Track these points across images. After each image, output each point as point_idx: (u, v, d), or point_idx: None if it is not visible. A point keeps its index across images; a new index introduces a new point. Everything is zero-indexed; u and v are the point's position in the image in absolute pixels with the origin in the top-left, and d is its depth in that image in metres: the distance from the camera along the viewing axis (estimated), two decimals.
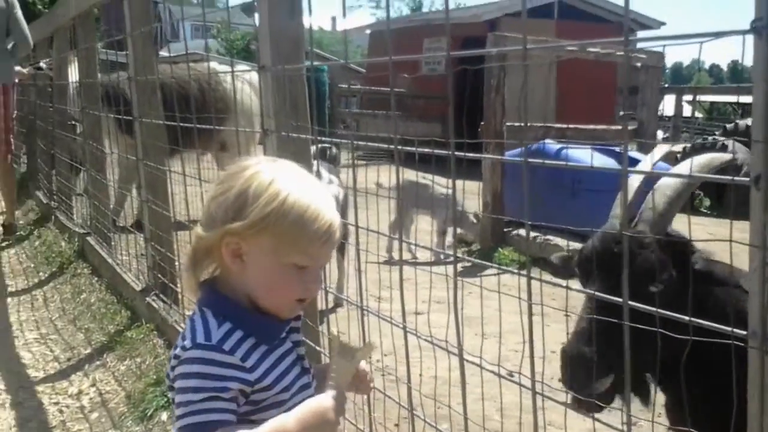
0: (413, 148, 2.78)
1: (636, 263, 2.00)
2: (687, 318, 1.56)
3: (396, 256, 7.51)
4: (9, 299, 6.47)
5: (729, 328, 1.49)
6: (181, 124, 4.64)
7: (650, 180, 2.29)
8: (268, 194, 1.56)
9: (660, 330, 1.71)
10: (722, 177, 1.82)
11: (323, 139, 3.37)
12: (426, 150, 2.75)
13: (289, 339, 1.73)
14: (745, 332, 1.47)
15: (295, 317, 1.74)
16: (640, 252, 2.03)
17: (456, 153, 2.24)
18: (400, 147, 2.58)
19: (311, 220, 1.57)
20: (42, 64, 9.29)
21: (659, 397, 2.21)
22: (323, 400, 1.60)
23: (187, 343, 1.55)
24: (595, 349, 1.98)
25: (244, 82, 8.66)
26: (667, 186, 2.11)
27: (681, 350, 1.78)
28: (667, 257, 2.02)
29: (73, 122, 8.37)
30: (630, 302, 1.65)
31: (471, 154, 2.36)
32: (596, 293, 1.84)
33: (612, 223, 2.22)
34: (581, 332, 2.04)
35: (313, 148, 3.39)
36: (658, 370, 1.96)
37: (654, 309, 1.62)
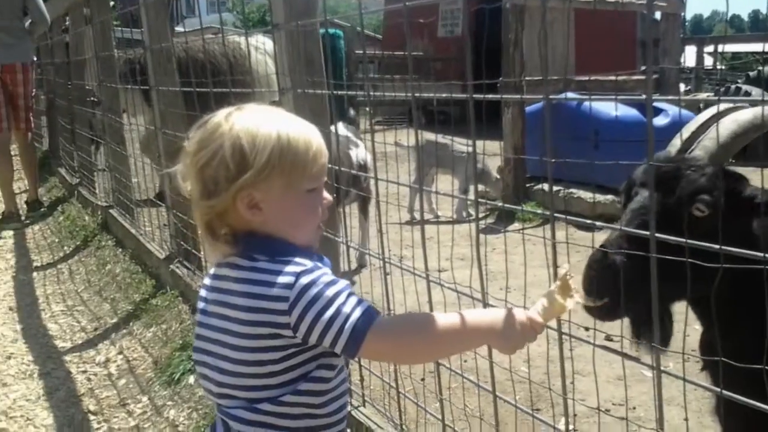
0: (433, 100, 2.72)
1: (681, 183, 1.92)
2: (717, 246, 1.51)
3: (418, 216, 7.48)
4: (35, 274, 6.50)
5: (761, 254, 1.44)
6: (197, 89, 4.62)
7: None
8: (261, 137, 1.56)
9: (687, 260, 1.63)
10: (753, 99, 1.77)
11: (340, 93, 3.30)
12: (444, 95, 2.71)
13: None
14: None
15: None
16: (688, 173, 1.94)
17: (474, 96, 2.20)
18: (417, 94, 2.54)
19: (307, 145, 1.60)
20: None
21: (689, 341, 2.16)
22: (522, 317, 1.59)
23: (290, 279, 1.52)
24: (621, 262, 1.90)
25: (264, 54, 8.60)
26: (732, 120, 2.03)
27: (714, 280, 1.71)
28: (716, 185, 1.92)
29: (93, 98, 8.36)
30: (657, 234, 1.60)
31: (491, 95, 2.29)
32: (623, 227, 1.79)
33: (667, 150, 2.14)
34: (614, 242, 1.96)
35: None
36: (688, 299, 1.89)
37: (682, 240, 1.56)
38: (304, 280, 1.52)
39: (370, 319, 1.51)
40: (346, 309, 1.50)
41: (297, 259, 1.56)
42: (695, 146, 2.06)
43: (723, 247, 1.50)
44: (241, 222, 1.60)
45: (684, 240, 1.56)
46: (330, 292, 1.51)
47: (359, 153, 5.76)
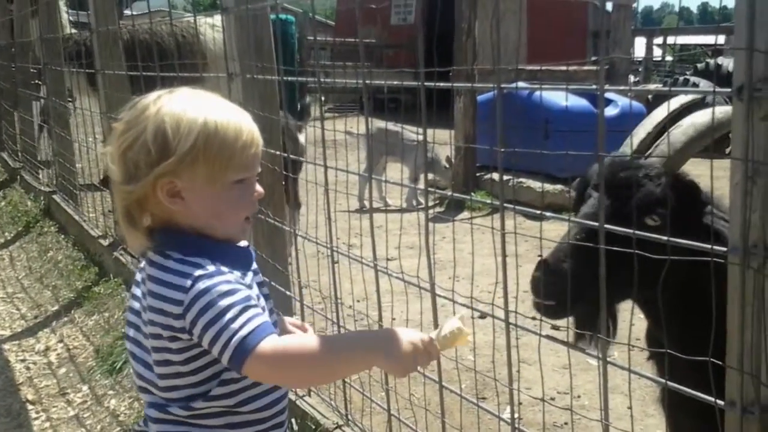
0: (383, 88, 2.67)
1: (636, 193, 1.90)
2: (665, 238, 1.50)
3: (368, 204, 7.45)
4: None
5: (708, 246, 1.44)
6: (144, 74, 4.51)
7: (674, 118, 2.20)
8: (186, 122, 1.48)
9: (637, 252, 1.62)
10: (705, 90, 1.76)
11: (290, 79, 3.25)
12: (395, 83, 2.68)
13: (261, 292, 1.65)
14: (725, 249, 1.41)
15: (257, 271, 1.67)
16: (644, 183, 1.93)
17: (426, 84, 2.16)
18: (368, 81, 2.50)
19: (236, 134, 1.52)
20: None
21: (634, 330, 2.16)
22: (416, 339, 1.49)
23: (187, 282, 1.46)
24: (570, 267, 1.88)
25: (218, 31, 8.46)
26: (690, 125, 2.01)
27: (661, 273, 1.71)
28: (672, 193, 1.91)
29: (38, 81, 8.17)
30: (606, 225, 1.59)
31: (442, 84, 2.26)
32: (571, 218, 1.77)
33: (623, 151, 2.12)
34: (563, 249, 1.94)
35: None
36: (635, 292, 1.88)
37: (630, 231, 1.56)
38: (201, 285, 1.45)
39: (256, 340, 1.42)
40: (235, 325, 1.42)
41: (202, 261, 1.49)
42: (652, 150, 2.04)
43: (670, 239, 1.50)
44: (162, 211, 1.53)
45: (632, 231, 1.56)
46: (224, 302, 1.44)
47: None
